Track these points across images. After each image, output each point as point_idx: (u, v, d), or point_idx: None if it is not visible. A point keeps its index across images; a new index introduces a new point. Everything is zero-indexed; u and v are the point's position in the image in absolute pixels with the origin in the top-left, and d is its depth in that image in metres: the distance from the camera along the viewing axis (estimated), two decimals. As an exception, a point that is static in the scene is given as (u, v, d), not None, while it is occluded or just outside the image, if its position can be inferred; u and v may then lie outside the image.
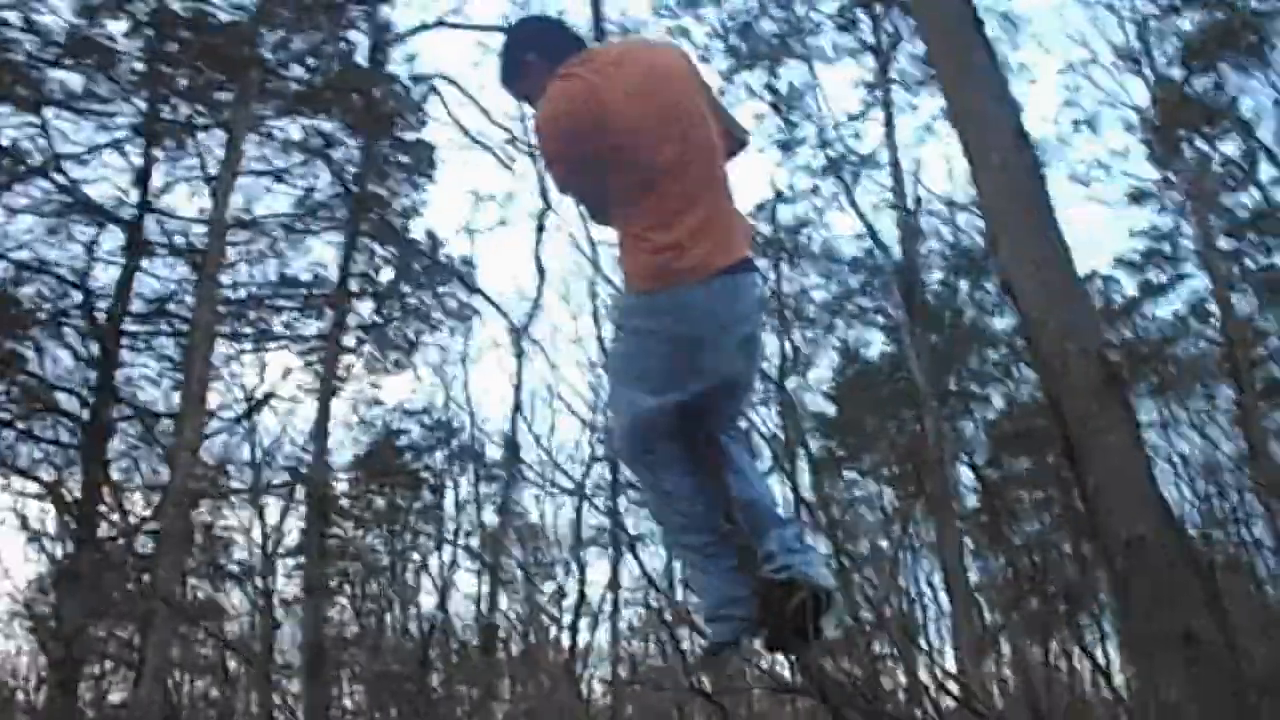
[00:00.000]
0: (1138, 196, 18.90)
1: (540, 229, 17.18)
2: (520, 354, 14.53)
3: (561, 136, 2.62)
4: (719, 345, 2.62)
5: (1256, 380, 17.90)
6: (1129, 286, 19.91)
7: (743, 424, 2.95)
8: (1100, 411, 3.76)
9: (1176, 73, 17.69)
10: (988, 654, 19.95)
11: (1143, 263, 19.81)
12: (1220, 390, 19.65)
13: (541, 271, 16.90)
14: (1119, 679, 20.53)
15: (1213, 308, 18.70)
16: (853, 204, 17.63)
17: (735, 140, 2.92)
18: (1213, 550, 20.18)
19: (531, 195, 20.34)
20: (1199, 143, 18.10)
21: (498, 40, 3.46)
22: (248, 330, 15.83)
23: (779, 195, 19.02)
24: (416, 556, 19.97)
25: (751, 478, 2.84)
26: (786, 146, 18.79)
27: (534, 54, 2.75)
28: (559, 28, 2.97)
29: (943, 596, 20.39)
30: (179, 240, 14.92)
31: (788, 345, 20.23)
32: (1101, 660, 19.90)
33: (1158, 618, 3.71)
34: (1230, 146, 18.03)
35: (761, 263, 20.61)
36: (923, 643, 19.45)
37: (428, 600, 19.99)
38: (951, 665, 15.94)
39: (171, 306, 15.02)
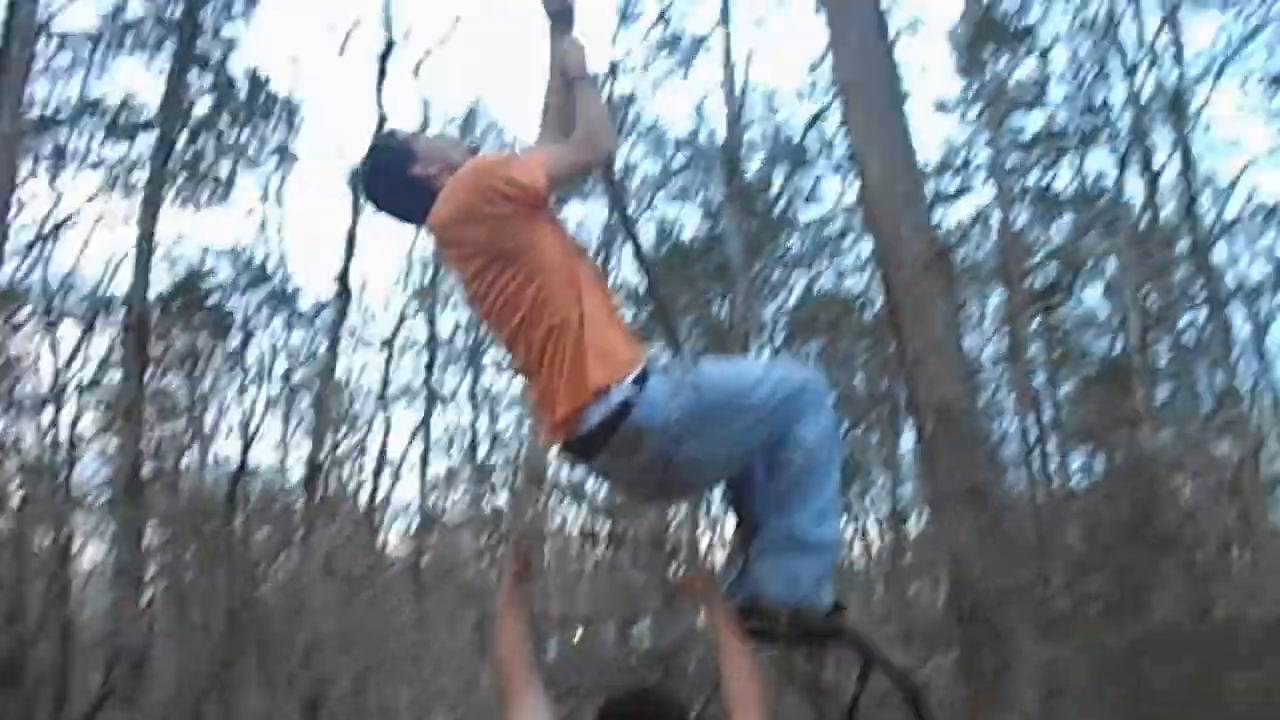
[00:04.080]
0: (942, 106, 20.11)
1: (382, 70, 16.72)
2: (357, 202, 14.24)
3: None
4: None
5: (1025, 286, 19.66)
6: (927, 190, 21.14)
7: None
8: (926, 282, 4.36)
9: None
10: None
11: (937, 171, 21.13)
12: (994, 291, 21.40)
13: (382, 118, 16.35)
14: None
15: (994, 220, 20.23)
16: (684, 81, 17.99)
17: None
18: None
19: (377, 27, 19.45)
20: (1002, 62, 19.34)
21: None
22: (47, 150, 14.80)
23: (613, 68, 19.16)
24: (217, 402, 19.53)
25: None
26: (625, 17, 18.92)
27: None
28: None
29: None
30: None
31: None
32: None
33: (955, 474, 4.36)
34: (1028, 68, 19.38)
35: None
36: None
37: (227, 446, 19.70)
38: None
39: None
